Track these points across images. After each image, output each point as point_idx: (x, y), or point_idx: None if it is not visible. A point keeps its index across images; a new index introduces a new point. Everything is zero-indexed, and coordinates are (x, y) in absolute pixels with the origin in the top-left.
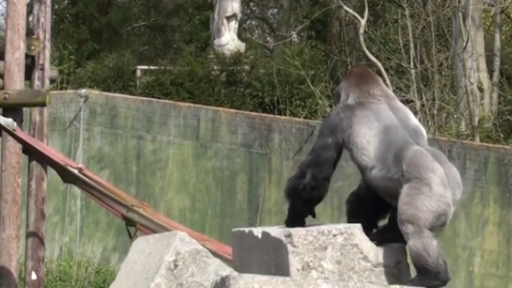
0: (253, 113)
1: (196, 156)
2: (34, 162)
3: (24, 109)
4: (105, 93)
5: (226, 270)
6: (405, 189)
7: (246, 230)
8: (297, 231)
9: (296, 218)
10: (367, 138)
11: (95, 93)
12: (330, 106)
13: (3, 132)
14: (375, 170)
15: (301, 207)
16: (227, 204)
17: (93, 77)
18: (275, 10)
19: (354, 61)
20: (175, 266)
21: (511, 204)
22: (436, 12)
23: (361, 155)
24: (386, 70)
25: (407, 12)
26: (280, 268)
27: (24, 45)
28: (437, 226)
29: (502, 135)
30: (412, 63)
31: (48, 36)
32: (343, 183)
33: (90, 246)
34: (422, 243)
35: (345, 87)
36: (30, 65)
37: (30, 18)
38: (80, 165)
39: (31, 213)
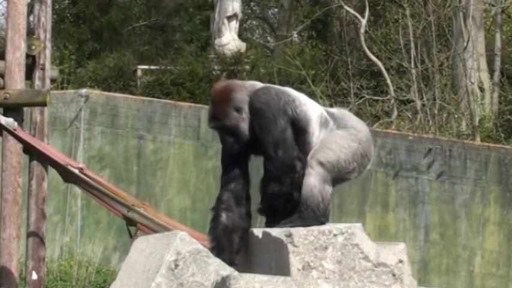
0: None
1: (197, 156)
2: (35, 162)
3: (25, 109)
4: (106, 93)
5: (227, 270)
6: (334, 134)
7: None
8: (298, 231)
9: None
10: (308, 100)
11: (95, 93)
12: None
13: (4, 132)
14: (317, 123)
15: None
16: None
17: (94, 77)
18: (276, 10)
19: (355, 61)
20: (176, 265)
21: None
22: (436, 12)
23: (308, 109)
24: (387, 70)
25: (408, 12)
26: (280, 268)
27: (25, 45)
28: (344, 178)
29: (502, 135)
30: (412, 63)
31: (48, 36)
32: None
33: (90, 246)
34: (322, 188)
35: (241, 94)
36: (31, 64)
37: (31, 18)
38: (81, 165)
39: (32, 213)
